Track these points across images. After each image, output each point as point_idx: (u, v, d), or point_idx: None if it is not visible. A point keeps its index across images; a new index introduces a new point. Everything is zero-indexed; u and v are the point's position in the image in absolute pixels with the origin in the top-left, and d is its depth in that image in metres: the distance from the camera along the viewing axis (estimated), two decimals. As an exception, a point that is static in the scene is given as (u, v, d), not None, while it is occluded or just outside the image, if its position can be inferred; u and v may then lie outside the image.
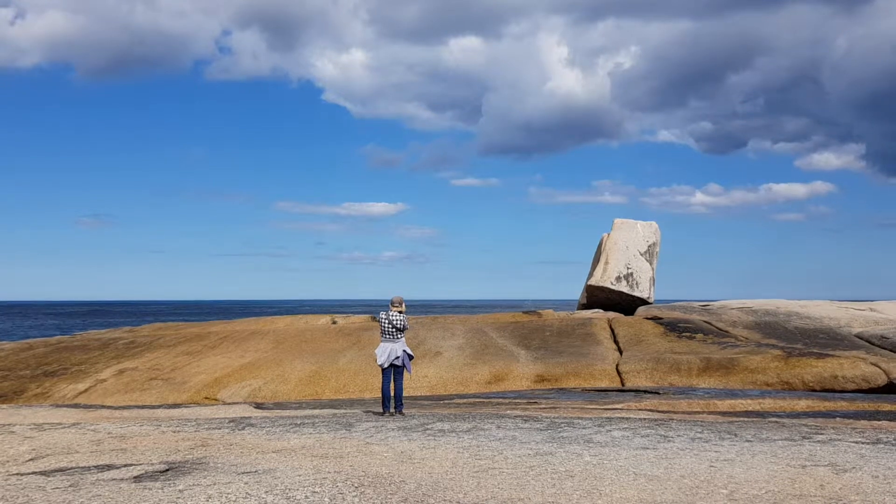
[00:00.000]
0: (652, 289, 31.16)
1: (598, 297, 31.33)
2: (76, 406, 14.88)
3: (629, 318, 27.31)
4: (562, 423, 9.83)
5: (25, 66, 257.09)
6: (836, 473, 6.50)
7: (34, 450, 7.76)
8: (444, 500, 5.48)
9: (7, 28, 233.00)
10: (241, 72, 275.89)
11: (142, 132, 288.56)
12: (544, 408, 13.26)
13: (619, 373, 20.18)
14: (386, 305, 11.98)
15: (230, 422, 10.27)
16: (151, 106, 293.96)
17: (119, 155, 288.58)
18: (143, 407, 15.03)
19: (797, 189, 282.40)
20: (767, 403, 14.47)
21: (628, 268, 30.75)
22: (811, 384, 18.28)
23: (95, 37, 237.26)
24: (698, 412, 12.86)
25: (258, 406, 14.25)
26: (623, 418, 10.72)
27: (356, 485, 5.86)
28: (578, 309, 32.18)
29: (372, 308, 43.69)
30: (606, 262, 30.82)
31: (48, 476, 6.35)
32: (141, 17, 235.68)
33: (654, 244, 31.73)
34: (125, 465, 6.76)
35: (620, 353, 22.34)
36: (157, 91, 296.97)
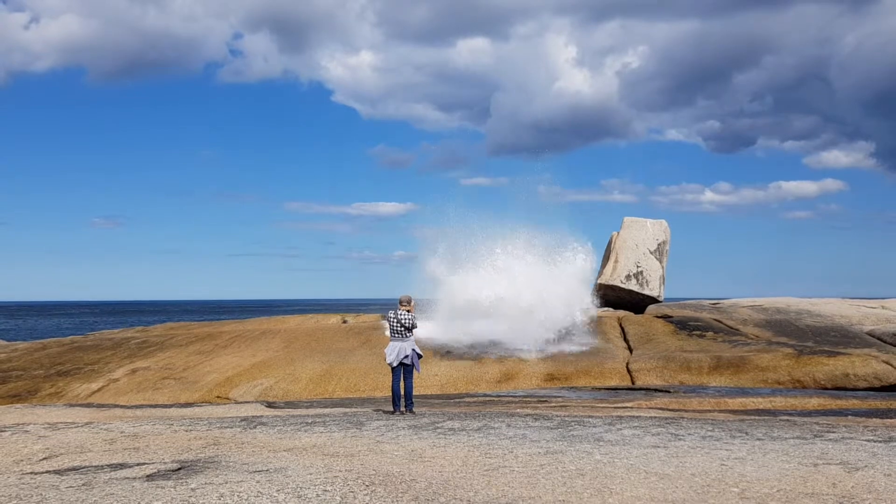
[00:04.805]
0: (662, 287, 31.06)
1: (607, 296, 31.24)
2: (89, 405, 14.99)
3: (639, 316, 27.25)
4: (572, 421, 9.83)
5: (40, 70, 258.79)
6: (849, 472, 6.48)
7: (48, 449, 7.82)
8: (455, 499, 5.49)
9: (22, 33, 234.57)
10: (252, 74, 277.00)
11: (154, 134, 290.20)
12: (554, 406, 13.25)
13: (629, 371, 20.14)
14: (395, 305, 12.00)
15: (242, 421, 10.32)
16: (164, 108, 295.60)
17: (132, 157, 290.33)
18: (155, 406, 15.12)
19: (807, 187, 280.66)
20: (779, 401, 14.41)
21: (638, 266, 30.66)
22: (823, 382, 18.19)
23: (108, 41, 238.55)
24: (709, 410, 12.83)
25: (269, 405, 14.31)
26: (633, 417, 10.71)
27: (367, 483, 5.88)
28: (588, 307, 32.07)
29: (383, 307, 43.62)
30: (616, 261, 30.74)
31: (62, 475, 6.40)
32: (153, 21, 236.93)
33: (663, 242, 31.62)
34: (138, 464, 6.81)
35: (630, 351, 22.29)
36: (169, 94, 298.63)
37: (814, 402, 14.44)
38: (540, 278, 24.73)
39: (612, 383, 19.18)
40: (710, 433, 8.74)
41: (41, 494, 5.63)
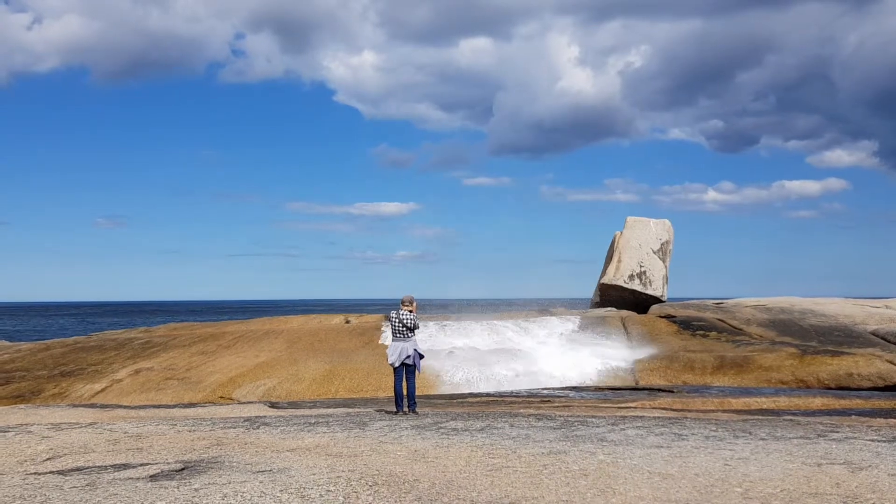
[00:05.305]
0: (665, 287, 31.05)
1: (611, 296, 31.23)
2: (93, 406, 15.01)
3: (642, 316, 27.22)
4: (575, 421, 9.82)
5: (42, 70, 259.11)
6: (852, 472, 6.46)
7: (51, 449, 7.83)
8: (458, 499, 5.49)
9: (24, 34, 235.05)
10: (254, 74, 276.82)
11: (157, 134, 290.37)
12: (557, 406, 13.25)
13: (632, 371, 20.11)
14: (398, 305, 12.00)
15: (245, 421, 10.33)
16: (166, 109, 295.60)
17: (134, 157, 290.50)
18: (159, 406, 15.14)
19: (810, 186, 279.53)
20: (782, 401, 14.39)
21: (641, 266, 30.65)
22: (826, 382, 18.17)
23: (111, 41, 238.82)
24: (712, 410, 12.82)
25: (273, 405, 14.33)
26: (637, 417, 10.70)
27: (370, 483, 5.89)
28: (591, 307, 32.08)
29: (385, 307, 43.62)
30: (619, 261, 30.73)
31: (65, 475, 6.41)
32: (155, 22, 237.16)
33: (666, 242, 31.60)
34: (141, 465, 6.82)
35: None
36: (171, 94, 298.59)
37: (817, 402, 14.42)
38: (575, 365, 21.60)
39: (616, 383, 19.17)
40: (713, 433, 8.73)
41: (45, 495, 5.64)
